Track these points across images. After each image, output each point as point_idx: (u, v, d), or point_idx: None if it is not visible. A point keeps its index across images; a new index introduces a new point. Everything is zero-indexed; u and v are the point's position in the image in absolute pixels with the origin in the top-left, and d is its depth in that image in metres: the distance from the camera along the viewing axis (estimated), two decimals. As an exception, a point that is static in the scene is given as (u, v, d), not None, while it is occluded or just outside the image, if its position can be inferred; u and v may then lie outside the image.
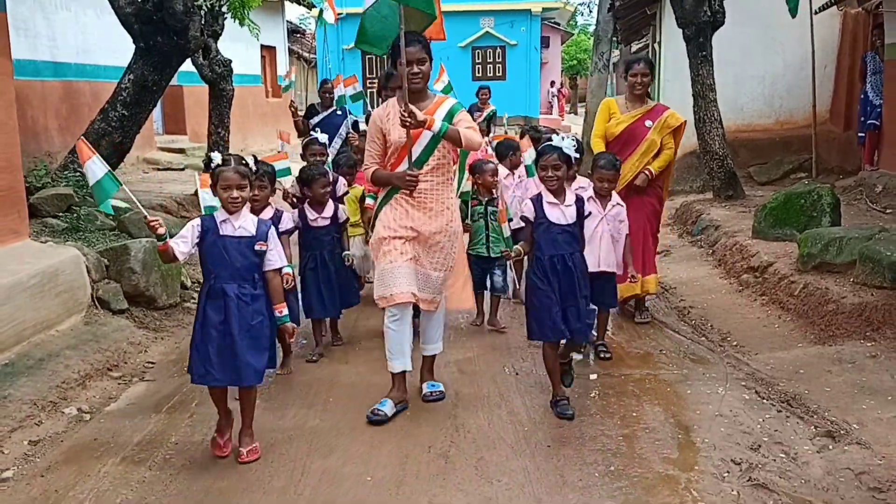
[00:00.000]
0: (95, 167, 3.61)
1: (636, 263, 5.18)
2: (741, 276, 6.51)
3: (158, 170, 13.32)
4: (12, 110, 5.45)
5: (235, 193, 3.61)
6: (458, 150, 4.50)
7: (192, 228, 3.66)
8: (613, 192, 5.05)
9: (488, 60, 30.16)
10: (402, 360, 4.26)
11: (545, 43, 32.59)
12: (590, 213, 4.39)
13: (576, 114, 37.12)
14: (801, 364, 4.70)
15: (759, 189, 10.53)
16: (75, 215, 6.58)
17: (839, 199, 6.92)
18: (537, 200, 4.20)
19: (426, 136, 4.13)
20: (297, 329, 4.10)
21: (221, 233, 3.65)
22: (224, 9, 9.86)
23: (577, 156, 4.31)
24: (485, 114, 9.89)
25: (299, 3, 19.23)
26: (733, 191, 9.09)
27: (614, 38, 16.23)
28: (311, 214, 5.18)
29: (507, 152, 6.43)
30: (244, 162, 3.75)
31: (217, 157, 3.69)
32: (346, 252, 5.32)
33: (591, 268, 4.48)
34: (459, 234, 4.41)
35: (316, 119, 7.82)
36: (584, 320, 4.18)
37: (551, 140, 4.24)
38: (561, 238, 4.14)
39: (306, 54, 29.65)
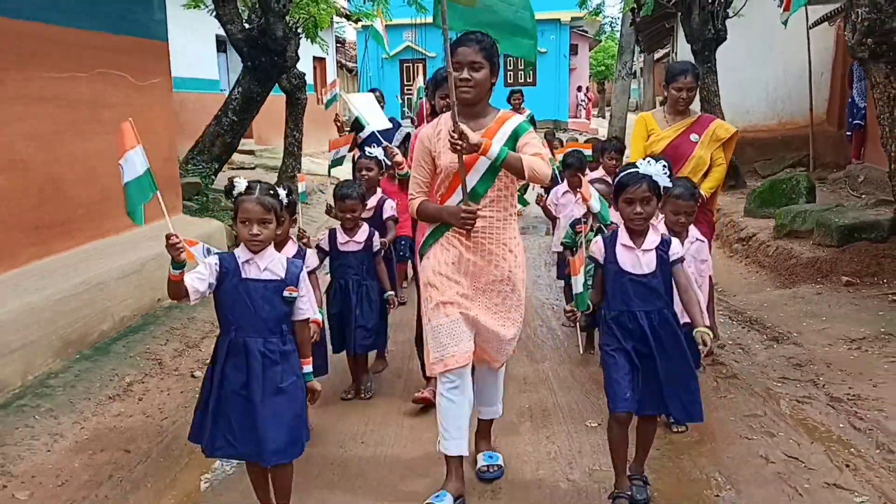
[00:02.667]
0: (137, 159, 3.02)
1: None
2: (733, 245, 8.15)
3: (232, 168, 15.20)
4: (172, 117, 7.22)
5: (256, 230, 2.95)
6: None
7: (209, 267, 3.00)
8: (691, 226, 4.09)
9: (519, 67, 31.79)
10: (460, 443, 3.43)
11: (573, 50, 34.15)
12: (681, 258, 3.32)
13: (603, 117, 38.61)
14: (766, 301, 6.33)
15: (763, 181, 12.10)
16: (204, 199, 8.37)
17: (814, 184, 8.53)
18: (610, 240, 3.35)
19: (482, 163, 3.29)
20: (319, 390, 3.21)
21: (244, 275, 3.00)
22: (299, 29, 11.66)
23: (670, 185, 3.39)
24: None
25: (348, 19, 21.02)
26: (735, 181, 10.68)
27: (637, 47, 17.83)
28: (341, 237, 4.60)
29: (575, 166, 5.82)
30: (272, 192, 3.04)
31: (241, 184, 3.03)
32: (388, 293, 4.67)
33: None
34: (524, 281, 3.52)
35: (366, 132, 6.83)
36: (674, 393, 3.24)
37: (635, 167, 3.31)
38: (633, 290, 3.25)
39: (348, 63, 31.43)
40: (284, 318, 3.04)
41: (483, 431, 3.82)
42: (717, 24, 10.29)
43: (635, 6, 12.12)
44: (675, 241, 3.35)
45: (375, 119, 5.73)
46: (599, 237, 3.47)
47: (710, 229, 5.05)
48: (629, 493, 3.35)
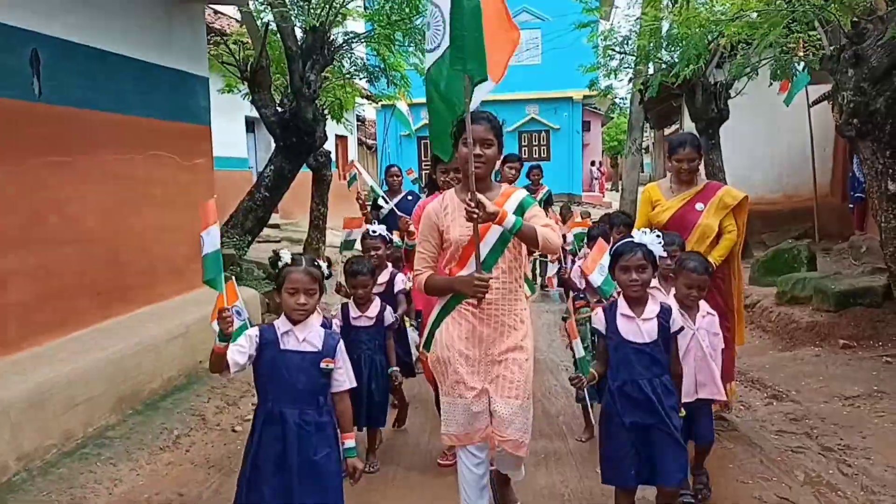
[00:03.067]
0: (214, 237, 3.11)
1: None
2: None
3: (259, 241, 15.87)
4: (213, 193, 7.83)
5: (303, 299, 3.07)
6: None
7: (249, 339, 3.09)
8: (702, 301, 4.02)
9: (534, 143, 32.75)
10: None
11: (586, 126, 35.13)
12: (681, 328, 3.49)
13: (617, 191, 39.36)
14: (768, 362, 6.72)
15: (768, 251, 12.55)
16: (238, 269, 8.91)
17: (815, 254, 8.98)
18: (611, 311, 3.45)
19: (493, 234, 3.38)
20: (360, 472, 3.23)
21: (283, 347, 3.08)
22: (326, 111, 12.41)
23: (664, 254, 3.57)
24: (539, 195, 9.35)
25: (369, 100, 22.00)
26: (745, 253, 11.12)
27: (647, 124, 18.56)
28: (353, 312, 4.60)
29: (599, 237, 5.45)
30: (316, 263, 3.21)
31: (287, 256, 3.16)
32: (392, 369, 4.66)
33: (687, 397, 3.68)
34: (532, 352, 3.54)
35: (386, 208, 7.32)
36: (670, 463, 3.28)
37: (632, 237, 3.54)
38: (636, 359, 3.32)
39: (367, 140, 32.46)
40: (321, 389, 3.09)
41: (502, 484, 3.81)
42: (719, 104, 10.91)
43: (643, 88, 12.78)
44: (675, 310, 3.47)
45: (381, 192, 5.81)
46: (599, 309, 3.53)
47: (722, 295, 4.91)
48: None
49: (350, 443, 3.18)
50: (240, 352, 3.03)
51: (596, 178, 36.16)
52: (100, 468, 4.54)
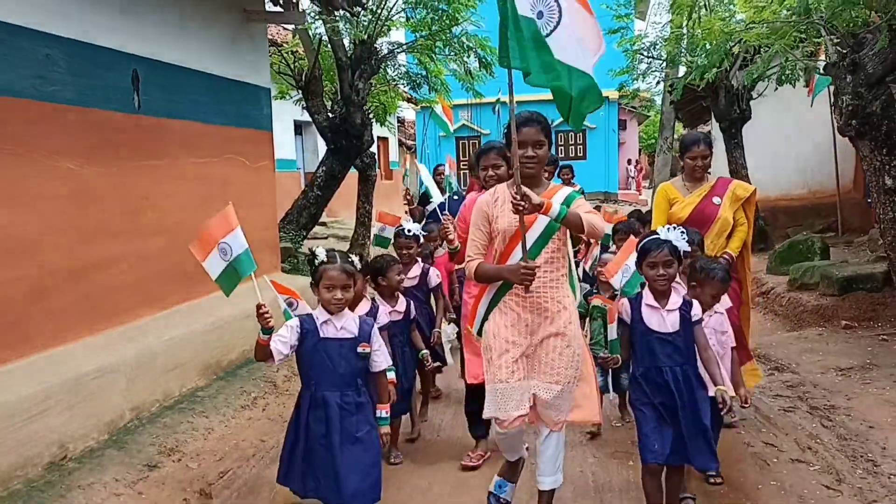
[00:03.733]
0: (239, 240, 3.43)
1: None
2: (755, 298, 9.23)
3: (307, 238, 16.86)
4: (275, 192, 8.74)
5: (340, 294, 3.32)
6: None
7: (290, 329, 3.33)
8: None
9: (570, 142, 33.30)
10: (518, 455, 3.86)
11: (622, 125, 35.59)
12: (700, 319, 3.66)
13: (653, 189, 39.77)
14: (775, 341, 7.41)
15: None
16: (294, 261, 9.82)
17: (828, 245, 9.60)
18: (636, 301, 3.67)
19: (539, 224, 3.57)
20: (388, 438, 3.57)
21: (322, 335, 3.32)
22: (371, 115, 13.30)
23: (689, 249, 3.74)
24: None
25: (409, 102, 22.90)
26: (764, 244, 11.76)
27: (679, 123, 19.15)
28: (381, 307, 4.67)
29: (624, 231, 5.80)
30: (350, 259, 3.47)
31: (322, 254, 3.41)
32: (423, 352, 4.94)
33: None
34: (580, 336, 3.71)
35: (430, 207, 7.46)
36: (695, 445, 3.50)
37: (657, 233, 3.72)
38: (659, 348, 3.54)
39: (407, 141, 33.34)
40: (359, 372, 3.35)
41: (545, 502, 3.80)
42: (741, 105, 11.58)
43: (670, 89, 13.44)
44: (695, 302, 3.65)
45: (437, 192, 6.03)
46: (626, 300, 3.73)
47: (740, 286, 5.13)
48: None
49: (383, 412, 3.44)
50: (282, 342, 3.28)
51: (632, 177, 36.60)
52: (195, 420, 5.45)
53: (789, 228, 13.99)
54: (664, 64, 12.17)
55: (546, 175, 8.06)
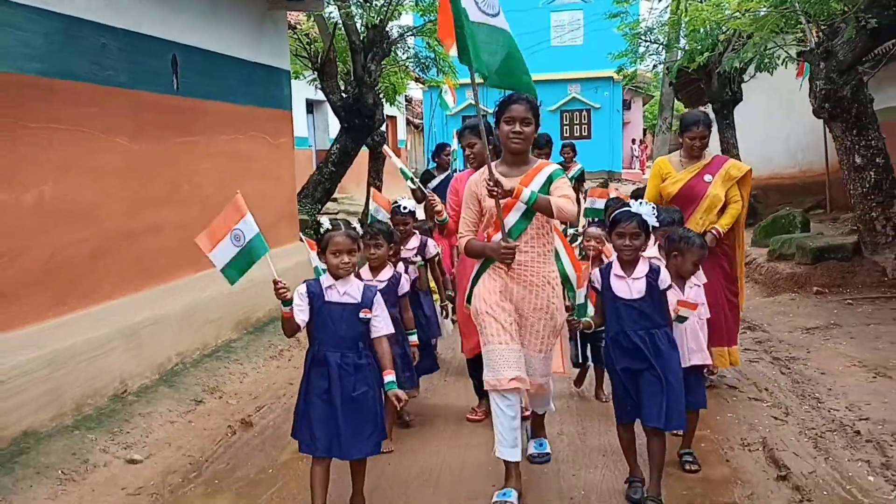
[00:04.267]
0: (250, 226, 3.63)
1: (714, 334, 4.73)
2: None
3: (321, 212, 17.61)
4: (293, 167, 9.45)
5: (346, 259, 3.51)
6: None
7: (301, 296, 3.52)
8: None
9: (575, 122, 33.87)
10: (515, 451, 3.85)
11: (627, 105, 36.14)
12: (670, 285, 3.83)
13: (656, 168, 40.31)
14: (753, 306, 8.12)
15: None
16: (311, 232, 10.54)
17: (808, 219, 10.29)
18: (605, 270, 3.86)
19: (519, 206, 3.78)
20: (407, 398, 3.76)
21: (327, 299, 3.51)
22: (381, 95, 13.97)
23: (657, 224, 3.87)
24: (572, 172, 9.59)
25: (418, 83, 23.51)
26: (753, 220, 12.42)
27: (681, 103, 19.75)
28: (365, 275, 4.55)
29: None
30: (353, 227, 3.66)
31: (327, 223, 3.63)
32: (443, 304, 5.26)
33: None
34: (562, 310, 3.98)
35: (434, 182, 7.85)
36: (661, 407, 3.62)
37: (628, 206, 3.87)
38: (625, 314, 3.74)
39: (414, 120, 33.91)
40: (360, 336, 3.51)
41: (538, 421, 4.41)
42: (733, 88, 12.21)
43: (667, 71, 14.07)
44: (663, 270, 3.82)
45: (409, 172, 5.91)
46: (597, 269, 3.93)
47: (730, 262, 5.37)
48: (641, 479, 3.89)
49: (389, 377, 3.53)
50: (300, 310, 3.48)
51: (636, 156, 37.15)
52: (231, 366, 6.21)
53: (780, 206, 14.64)
54: (661, 48, 12.79)
55: (567, 157, 9.10)
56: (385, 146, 7.63)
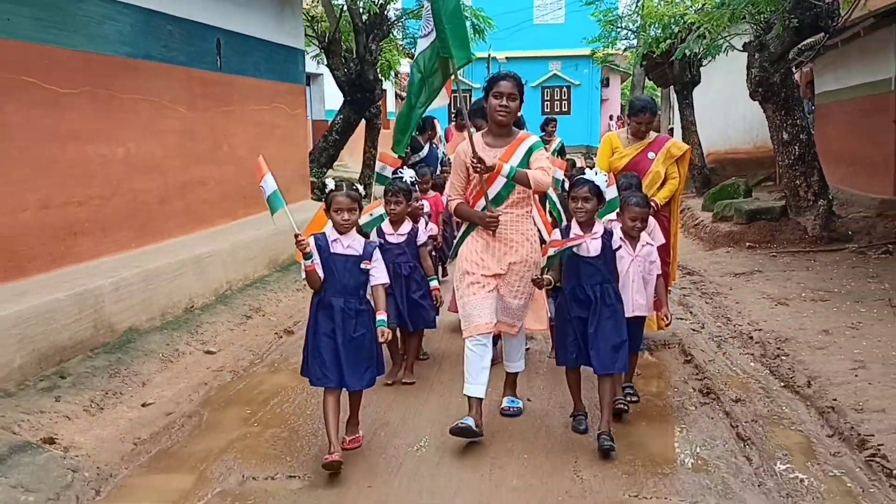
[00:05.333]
0: (270, 183, 3.97)
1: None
2: (689, 228, 11.53)
3: (314, 179, 19.01)
4: (306, 134, 10.85)
5: (346, 216, 3.82)
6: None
7: (311, 249, 3.82)
8: (644, 232, 4.67)
9: (555, 98, 35.29)
10: (478, 388, 4.24)
11: (605, 83, 37.55)
12: (619, 246, 4.31)
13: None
14: (695, 258, 9.68)
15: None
16: (318, 192, 11.95)
17: (751, 187, 11.87)
18: (565, 231, 4.25)
19: (500, 178, 4.20)
20: (389, 335, 4.06)
21: (332, 251, 3.84)
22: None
23: (605, 187, 4.21)
24: (553, 146, 9.97)
25: (409, 57, 24.81)
26: (707, 189, 14.02)
27: (652, 83, 21.23)
28: (387, 230, 5.19)
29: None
30: (354, 187, 3.93)
31: (331, 183, 3.91)
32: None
33: (625, 313, 4.33)
34: (538, 263, 4.36)
35: (423, 153, 8.88)
36: (609, 353, 4.09)
37: (584, 173, 4.28)
38: (584, 270, 4.14)
39: (402, 92, 34.96)
40: (361, 285, 3.91)
41: (509, 381, 4.72)
42: (692, 71, 13.71)
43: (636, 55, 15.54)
44: (616, 232, 4.32)
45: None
46: (557, 230, 4.40)
47: (667, 234, 5.70)
48: (584, 413, 4.43)
49: (381, 317, 3.94)
50: (318, 264, 3.86)
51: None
52: (268, 293, 7.68)
53: (736, 178, 16.25)
54: (630, 34, 14.24)
55: (550, 130, 10.22)
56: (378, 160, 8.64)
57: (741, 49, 10.19)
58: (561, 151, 10.53)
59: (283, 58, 9.93)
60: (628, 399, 4.69)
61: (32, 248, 5.41)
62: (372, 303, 4.03)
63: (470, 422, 4.16)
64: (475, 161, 4.11)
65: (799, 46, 10.14)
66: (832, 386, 4.83)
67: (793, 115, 9.46)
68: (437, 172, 7.60)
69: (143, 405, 4.86)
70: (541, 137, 8.06)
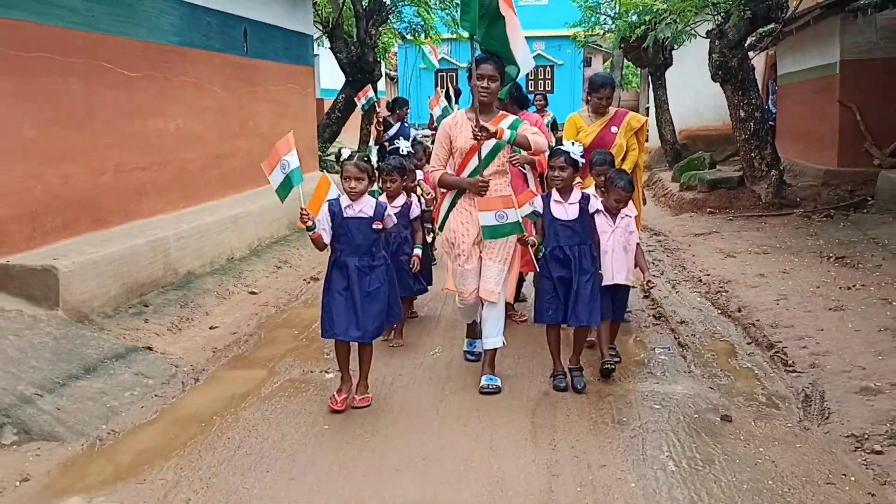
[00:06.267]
0: (294, 159, 4.26)
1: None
2: (660, 197, 12.82)
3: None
4: (314, 112, 12.00)
5: (353, 184, 4.20)
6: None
7: (324, 215, 4.22)
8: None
9: (539, 77, 36.36)
10: (472, 318, 5.01)
11: (587, 62, 38.62)
12: (597, 210, 4.65)
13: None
14: (661, 222, 10.97)
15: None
16: (324, 164, 13.13)
17: (715, 161, 13.16)
18: (546, 198, 4.60)
19: (488, 145, 4.56)
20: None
21: (345, 215, 4.19)
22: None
23: (583, 161, 4.63)
24: (544, 122, 9.01)
25: (404, 40, 25.86)
26: (678, 162, 15.29)
27: (628, 63, 22.43)
28: (383, 203, 5.18)
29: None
30: (365, 159, 4.27)
31: (346, 153, 4.21)
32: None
33: (605, 282, 4.71)
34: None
35: (392, 131, 9.89)
36: (584, 308, 4.47)
37: (562, 145, 4.67)
38: (562, 232, 4.49)
39: (389, 72, 35.92)
40: (374, 243, 4.25)
41: (488, 359, 4.78)
42: (664, 54, 14.94)
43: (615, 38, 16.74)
44: (593, 198, 4.69)
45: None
46: (539, 196, 4.69)
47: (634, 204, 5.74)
48: (563, 373, 4.71)
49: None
50: (324, 230, 4.25)
51: (595, 110, 39.59)
52: (291, 249, 8.89)
53: (702, 152, 17.54)
54: (609, 19, 15.43)
55: (539, 105, 11.31)
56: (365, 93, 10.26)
57: (704, 36, 11.42)
58: (553, 126, 10.75)
59: (296, 43, 11.07)
60: (612, 360, 4.98)
61: (111, 204, 6.60)
62: (386, 258, 4.44)
63: (476, 346, 5.01)
64: (477, 129, 4.43)
65: (759, 33, 11.40)
66: (757, 311, 6.14)
67: (749, 96, 10.72)
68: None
69: (210, 328, 6.10)
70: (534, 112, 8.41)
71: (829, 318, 5.75)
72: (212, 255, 7.49)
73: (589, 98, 5.97)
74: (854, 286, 6.57)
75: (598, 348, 4.98)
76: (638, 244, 5.03)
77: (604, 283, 4.69)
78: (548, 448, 3.95)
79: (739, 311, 6.25)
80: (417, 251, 5.64)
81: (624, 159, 5.88)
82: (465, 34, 4.76)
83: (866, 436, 3.89)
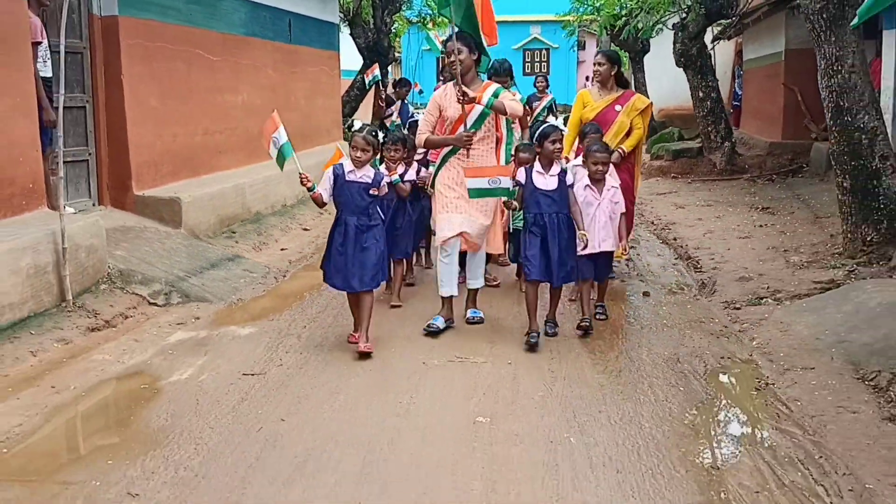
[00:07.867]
0: (282, 135, 4.94)
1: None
2: (634, 166, 14.92)
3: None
4: (339, 90, 14.01)
5: (359, 154, 4.69)
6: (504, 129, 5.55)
7: (327, 177, 4.77)
8: (608, 175, 5.31)
9: (536, 60, 38.27)
10: (450, 288, 5.25)
11: (582, 46, 40.39)
12: (572, 183, 5.01)
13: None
14: (633, 184, 13.05)
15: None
16: (345, 136, 15.15)
17: (683, 135, 15.25)
18: (529, 169, 4.98)
19: (476, 111, 5.06)
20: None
21: (347, 179, 4.72)
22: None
23: (564, 129, 5.38)
24: (544, 103, 9.90)
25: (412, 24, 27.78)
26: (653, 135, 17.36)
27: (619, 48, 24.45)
28: (384, 171, 5.40)
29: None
30: (374, 133, 4.77)
31: (357, 125, 4.96)
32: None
33: (591, 249, 5.12)
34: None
35: (393, 108, 11.17)
36: (563, 268, 4.91)
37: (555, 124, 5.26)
38: (543, 200, 4.89)
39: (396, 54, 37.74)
40: (370, 206, 4.78)
41: (471, 297, 5.50)
42: (642, 41, 16.96)
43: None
44: (570, 172, 5.07)
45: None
46: (522, 168, 5.09)
47: (631, 178, 6.44)
48: (538, 331, 4.97)
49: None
50: (325, 190, 4.82)
51: (589, 91, 41.40)
52: (301, 213, 10.85)
53: (683, 130, 19.61)
54: (594, 10, 17.41)
55: (540, 86, 12.91)
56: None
57: (671, 29, 13.46)
58: (551, 109, 10.34)
59: (326, 31, 13.10)
60: (598, 317, 5.50)
61: (202, 159, 8.69)
62: (382, 218, 4.99)
63: (439, 321, 5.23)
64: (459, 94, 5.00)
65: (722, 24, 13.43)
66: (688, 240, 8.27)
67: (706, 79, 12.77)
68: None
69: (281, 249, 8.21)
70: (532, 95, 9.83)
71: (737, 243, 7.88)
72: (272, 200, 9.58)
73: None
74: (765, 225, 8.70)
75: (580, 306, 5.38)
76: (623, 213, 5.49)
77: (590, 251, 5.14)
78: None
79: (675, 240, 8.39)
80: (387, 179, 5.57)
81: (628, 136, 6.22)
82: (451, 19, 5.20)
83: (734, 301, 6.02)
